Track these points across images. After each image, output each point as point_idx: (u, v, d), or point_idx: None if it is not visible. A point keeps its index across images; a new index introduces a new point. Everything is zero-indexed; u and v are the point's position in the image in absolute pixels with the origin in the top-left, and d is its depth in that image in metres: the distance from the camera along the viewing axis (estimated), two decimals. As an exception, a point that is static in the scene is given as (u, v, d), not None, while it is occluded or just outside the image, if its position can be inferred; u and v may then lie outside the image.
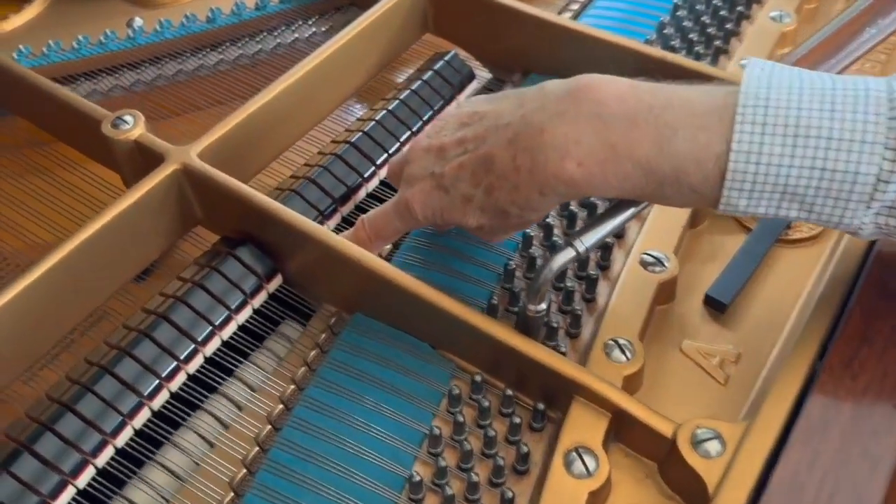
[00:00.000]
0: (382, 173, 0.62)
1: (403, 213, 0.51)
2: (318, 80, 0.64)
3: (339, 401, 0.48)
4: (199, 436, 0.49)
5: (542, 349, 0.46)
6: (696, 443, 0.42)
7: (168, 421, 0.49)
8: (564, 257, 0.45)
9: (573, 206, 0.58)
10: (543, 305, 0.47)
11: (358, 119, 0.65)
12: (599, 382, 0.45)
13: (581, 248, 0.45)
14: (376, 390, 0.49)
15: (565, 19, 0.68)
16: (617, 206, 0.46)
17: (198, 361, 0.50)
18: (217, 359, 0.52)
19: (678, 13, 0.73)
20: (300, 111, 0.64)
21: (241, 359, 0.53)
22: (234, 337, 0.53)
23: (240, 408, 0.51)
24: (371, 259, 0.50)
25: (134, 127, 0.58)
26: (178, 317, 0.50)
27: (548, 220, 0.57)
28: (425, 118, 0.66)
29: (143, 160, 0.58)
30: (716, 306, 0.53)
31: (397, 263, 0.55)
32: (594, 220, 0.46)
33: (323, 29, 0.77)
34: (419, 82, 0.67)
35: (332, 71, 0.65)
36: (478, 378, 0.48)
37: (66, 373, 0.48)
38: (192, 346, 0.50)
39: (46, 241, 0.60)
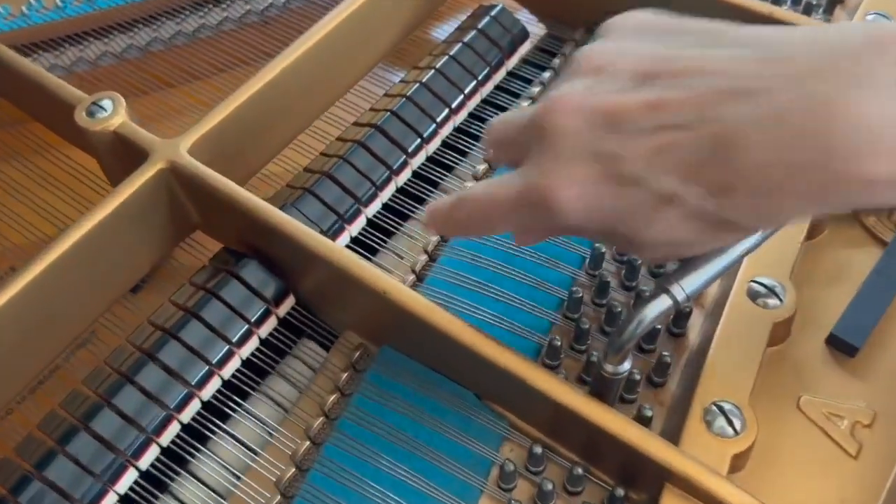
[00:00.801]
0: (415, 163, 0.51)
1: (538, 209, 0.32)
2: (338, 45, 0.53)
3: (363, 466, 0.39)
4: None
5: (622, 420, 0.35)
6: (832, 558, 0.32)
7: (155, 482, 0.41)
8: (658, 308, 0.33)
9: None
10: (626, 366, 0.36)
11: (385, 95, 0.54)
12: (701, 470, 0.34)
13: (680, 296, 0.33)
14: (408, 454, 0.39)
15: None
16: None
17: (193, 408, 0.42)
18: (215, 402, 0.43)
19: (781, -49, 0.59)
20: (316, 86, 0.54)
21: (243, 401, 0.44)
22: (237, 374, 0.44)
23: (251, 456, 0.42)
24: (397, 289, 0.40)
25: (113, 114, 0.47)
26: (167, 354, 0.42)
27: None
28: (467, 91, 0.54)
29: (125, 154, 0.47)
30: (844, 349, 0.41)
31: (433, 281, 0.45)
32: (697, 257, 0.34)
33: (345, -23, 0.65)
34: (459, 45, 0.55)
35: (356, 33, 0.54)
36: (537, 450, 0.38)
37: (37, 424, 0.41)
38: (186, 390, 0.42)
39: (18, 244, 0.52)
